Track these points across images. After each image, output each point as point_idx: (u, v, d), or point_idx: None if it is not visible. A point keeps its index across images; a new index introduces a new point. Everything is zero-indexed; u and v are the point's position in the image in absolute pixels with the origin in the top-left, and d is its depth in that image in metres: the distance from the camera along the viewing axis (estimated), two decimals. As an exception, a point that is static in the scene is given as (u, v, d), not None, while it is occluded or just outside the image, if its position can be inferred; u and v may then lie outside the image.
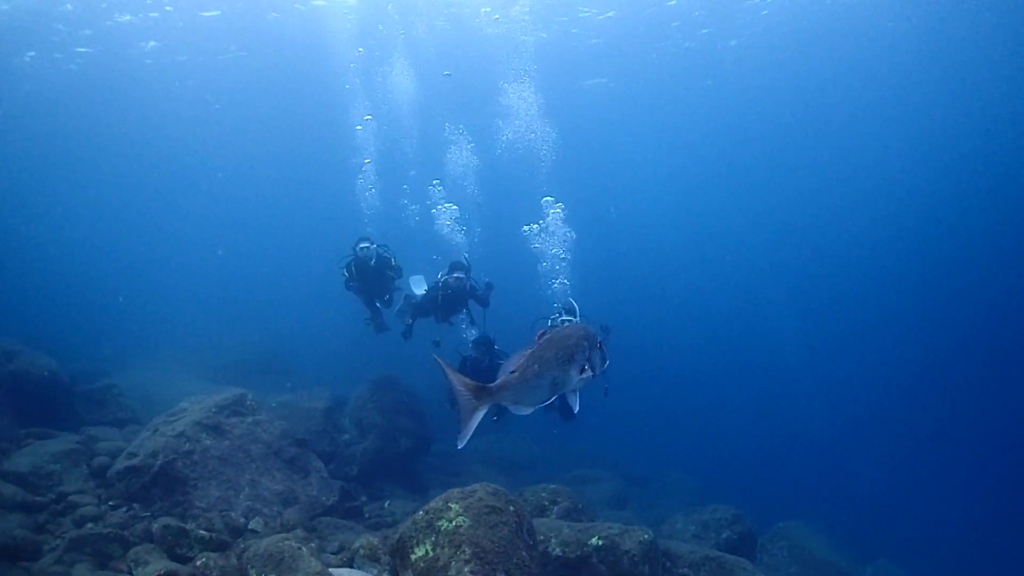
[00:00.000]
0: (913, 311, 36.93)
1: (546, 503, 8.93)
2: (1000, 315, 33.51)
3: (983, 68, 24.80)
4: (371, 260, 12.61)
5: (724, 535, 11.87)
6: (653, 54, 25.55)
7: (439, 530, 5.61)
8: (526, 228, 14.84)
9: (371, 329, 13.87)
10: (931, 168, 34.37)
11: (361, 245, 12.60)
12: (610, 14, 22.46)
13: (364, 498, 11.61)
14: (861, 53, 24.96)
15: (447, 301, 12.31)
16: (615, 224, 45.88)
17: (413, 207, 18.14)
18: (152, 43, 23.44)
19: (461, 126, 19.31)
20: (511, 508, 5.93)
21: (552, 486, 9.35)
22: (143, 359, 19.33)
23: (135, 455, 8.53)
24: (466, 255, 13.16)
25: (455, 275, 12.08)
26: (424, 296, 12.76)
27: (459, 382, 4.07)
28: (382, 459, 12.66)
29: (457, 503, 5.80)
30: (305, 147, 35.27)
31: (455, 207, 15.68)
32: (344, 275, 12.83)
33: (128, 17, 21.65)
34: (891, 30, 22.95)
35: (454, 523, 5.60)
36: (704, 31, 23.91)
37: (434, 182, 16.77)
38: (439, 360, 4.25)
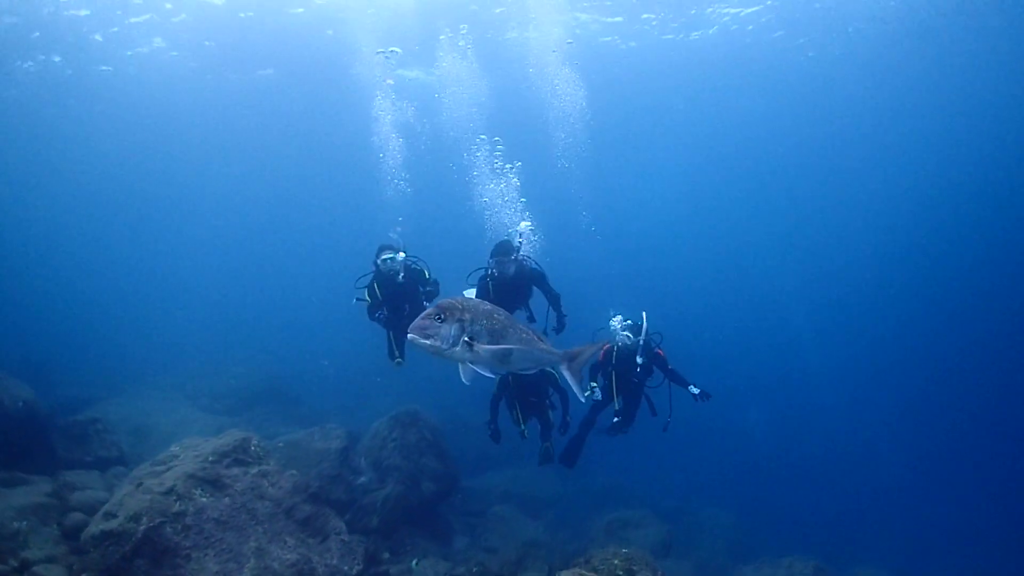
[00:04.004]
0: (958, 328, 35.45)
1: (621, 573, 7.30)
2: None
3: (992, 68, 23.75)
4: (398, 275, 9.88)
5: (810, 593, 10.30)
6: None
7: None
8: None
9: (395, 363, 10.60)
10: (959, 166, 33.15)
11: (384, 256, 9.89)
12: None
13: (387, 554, 10.03)
14: (873, 52, 23.70)
15: (501, 294, 9.70)
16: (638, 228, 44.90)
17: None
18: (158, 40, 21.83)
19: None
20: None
21: (624, 551, 7.90)
22: (139, 385, 18.10)
23: (113, 516, 6.90)
24: (512, 233, 10.53)
25: (498, 258, 9.51)
26: (476, 293, 9.89)
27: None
28: (405, 507, 11.09)
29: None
30: (316, 149, 33.69)
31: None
32: (367, 300, 10.03)
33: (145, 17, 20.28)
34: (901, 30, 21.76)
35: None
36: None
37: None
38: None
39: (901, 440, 26.75)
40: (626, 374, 9.70)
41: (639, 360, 9.51)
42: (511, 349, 4.41)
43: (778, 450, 25.99)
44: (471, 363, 4.40)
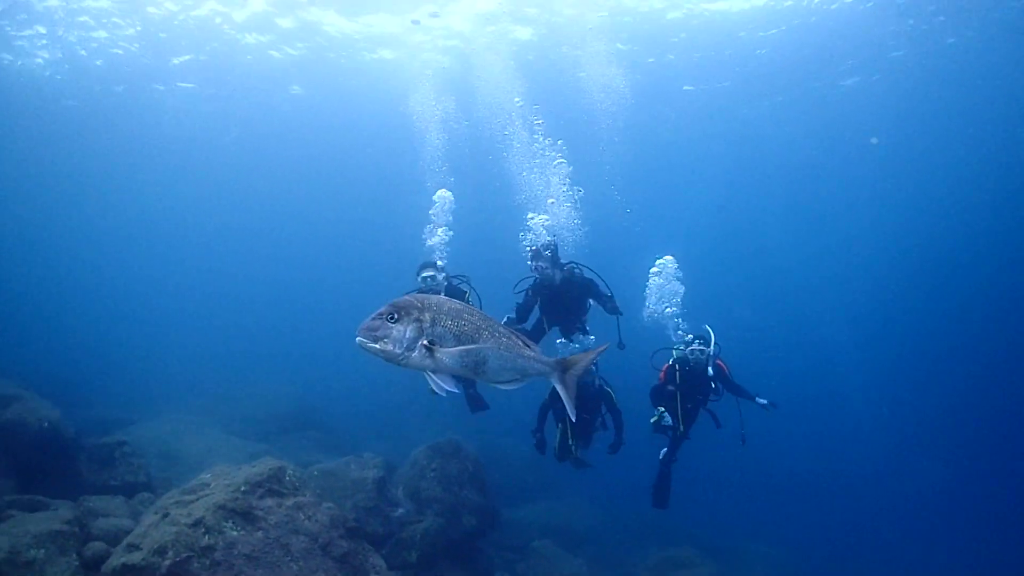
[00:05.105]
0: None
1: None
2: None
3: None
4: (439, 295, 9.29)
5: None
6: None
7: None
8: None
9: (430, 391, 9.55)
10: (1002, 176, 31.74)
11: (424, 275, 9.23)
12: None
13: (427, 596, 9.40)
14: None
15: (551, 305, 9.07)
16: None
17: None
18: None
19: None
20: None
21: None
22: (167, 407, 17.81)
23: (137, 548, 6.31)
24: (543, 231, 9.56)
25: (535, 263, 8.85)
26: (521, 304, 9.26)
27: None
28: (445, 541, 10.48)
29: None
30: (351, 161, 33.16)
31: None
32: None
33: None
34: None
35: None
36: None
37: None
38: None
39: (947, 460, 25.60)
40: (692, 392, 9.01)
41: (711, 372, 8.89)
42: (482, 355, 3.65)
43: (817, 474, 24.96)
44: (435, 372, 3.65)
